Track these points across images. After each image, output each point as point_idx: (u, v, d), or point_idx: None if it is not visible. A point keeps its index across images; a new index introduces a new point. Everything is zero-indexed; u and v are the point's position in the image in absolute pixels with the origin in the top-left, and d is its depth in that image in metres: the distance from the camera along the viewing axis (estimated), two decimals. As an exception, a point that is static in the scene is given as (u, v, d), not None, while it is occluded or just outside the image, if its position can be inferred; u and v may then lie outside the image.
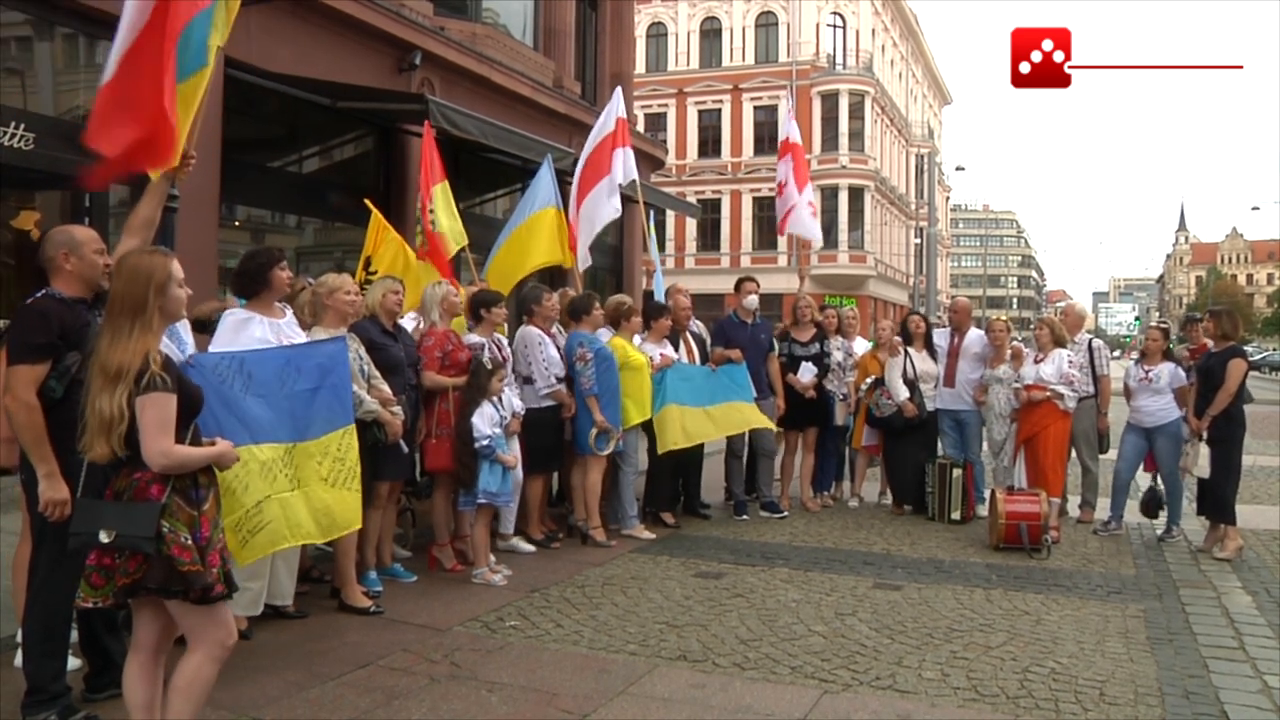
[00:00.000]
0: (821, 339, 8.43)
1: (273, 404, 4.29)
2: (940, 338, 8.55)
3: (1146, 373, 7.54)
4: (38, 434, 3.47)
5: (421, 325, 6.30)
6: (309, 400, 4.45)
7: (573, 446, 7.00)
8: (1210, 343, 7.38)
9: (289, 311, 5.00)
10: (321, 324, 5.16)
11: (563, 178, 8.79)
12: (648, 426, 7.28)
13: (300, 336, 4.86)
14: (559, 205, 8.36)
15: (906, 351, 8.28)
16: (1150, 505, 7.51)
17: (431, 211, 7.12)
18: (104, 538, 2.84)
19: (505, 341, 6.69)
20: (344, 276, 5.40)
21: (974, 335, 8.33)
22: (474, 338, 6.37)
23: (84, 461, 2.99)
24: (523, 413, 6.38)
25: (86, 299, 3.69)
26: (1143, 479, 7.98)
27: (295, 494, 4.31)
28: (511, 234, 8.33)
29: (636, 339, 7.36)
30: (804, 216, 10.36)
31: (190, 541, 2.92)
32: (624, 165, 8.54)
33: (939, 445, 8.37)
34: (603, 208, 8.49)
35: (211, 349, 4.51)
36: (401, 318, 6.17)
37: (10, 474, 4.06)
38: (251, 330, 4.61)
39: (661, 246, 10.55)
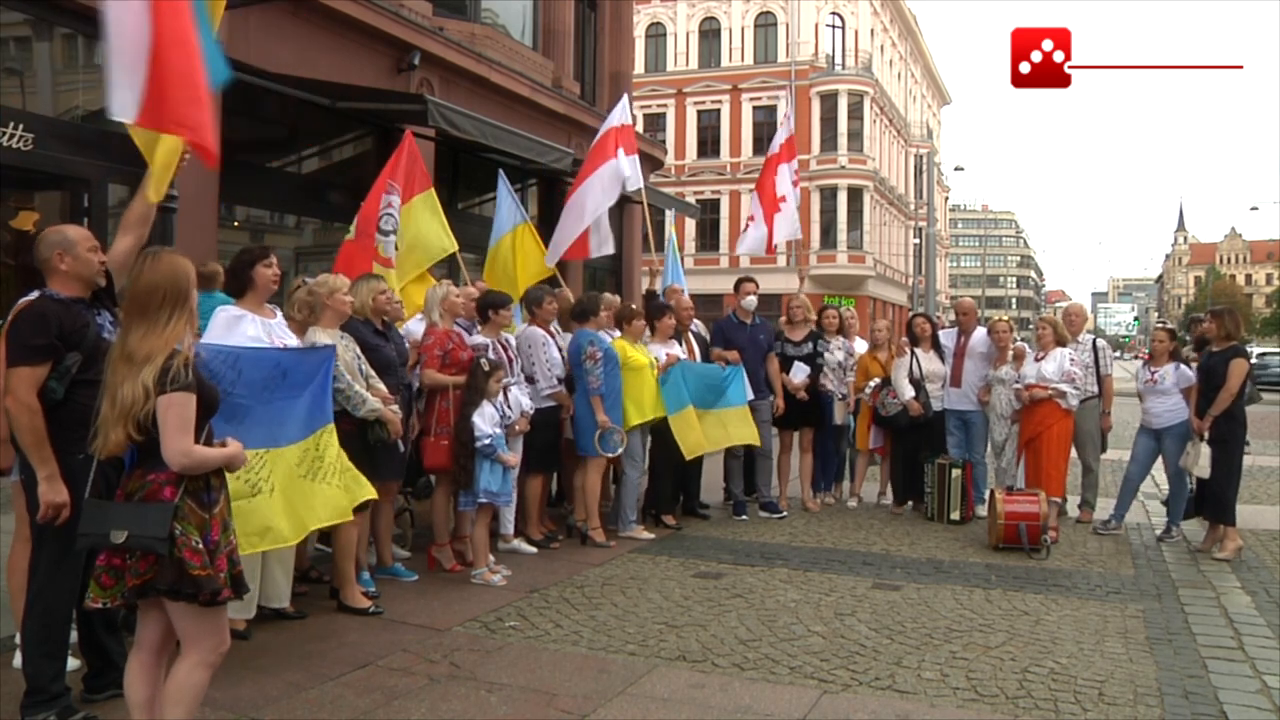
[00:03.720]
0: (814, 339, 8.45)
1: (249, 409, 4.26)
2: (946, 338, 8.55)
3: (1152, 374, 7.53)
4: (38, 436, 3.47)
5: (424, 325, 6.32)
6: (288, 407, 4.45)
7: (573, 446, 7.01)
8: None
9: (279, 313, 5.00)
10: (320, 324, 5.17)
11: (563, 180, 8.80)
12: (651, 428, 7.28)
13: (290, 338, 4.84)
14: (525, 219, 8.45)
15: (913, 352, 8.28)
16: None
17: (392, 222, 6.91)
18: (116, 539, 2.84)
19: (512, 342, 6.68)
20: (342, 277, 5.46)
21: (979, 335, 8.32)
22: (479, 338, 6.37)
23: (93, 462, 2.99)
24: (531, 412, 6.38)
25: (85, 298, 3.68)
26: (1161, 479, 7.94)
27: (257, 500, 4.26)
28: (489, 257, 8.44)
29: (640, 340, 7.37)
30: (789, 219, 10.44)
31: (201, 545, 2.92)
32: (630, 170, 8.57)
33: (946, 445, 8.36)
34: (594, 197, 8.50)
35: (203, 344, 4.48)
36: (402, 324, 6.19)
37: (7, 474, 4.06)
38: (244, 328, 4.60)
39: (661, 246, 10.62)
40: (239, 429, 4.12)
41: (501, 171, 8.69)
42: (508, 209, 8.41)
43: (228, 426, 4.00)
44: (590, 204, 8.51)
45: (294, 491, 4.45)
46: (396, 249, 6.92)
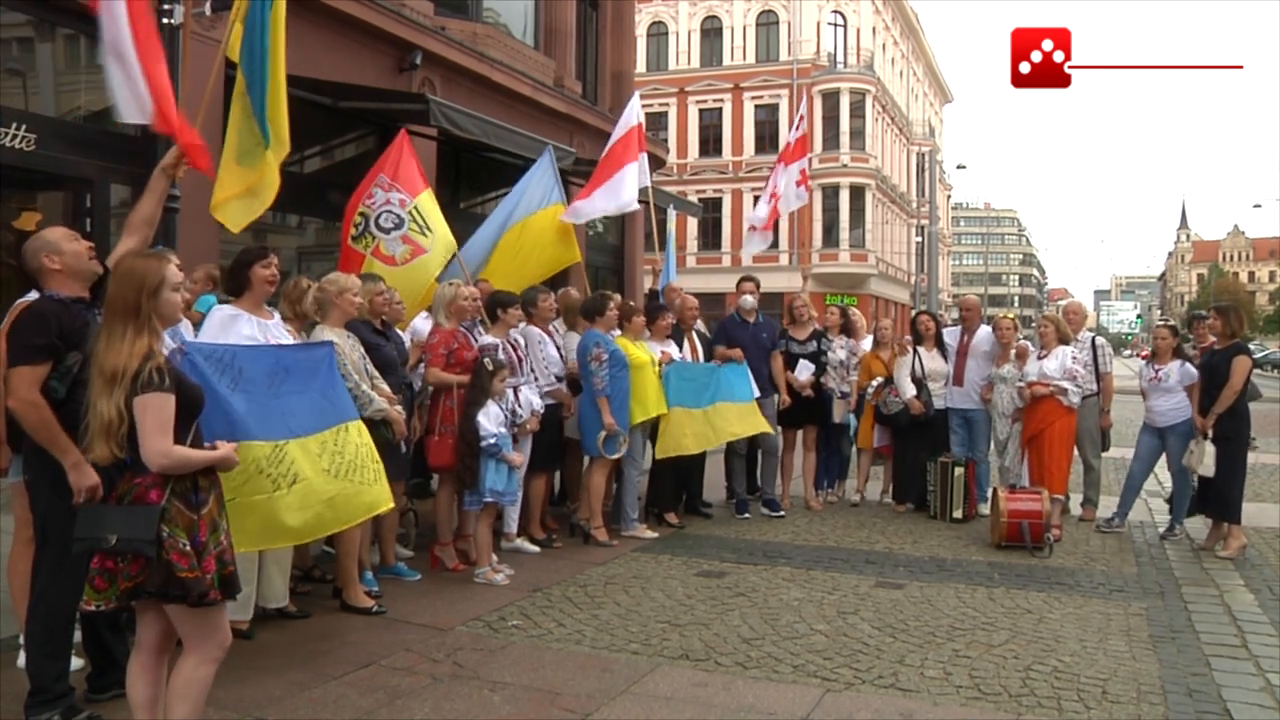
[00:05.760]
0: (819, 337, 8.44)
1: (258, 403, 4.23)
2: (950, 336, 8.54)
3: (1156, 372, 7.51)
4: (51, 430, 3.46)
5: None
6: (297, 401, 4.42)
7: (577, 445, 7.00)
8: (1215, 340, 7.35)
9: (277, 314, 5.00)
10: (326, 322, 5.19)
11: (564, 178, 8.74)
12: (651, 427, 7.27)
13: (285, 338, 4.83)
14: (564, 200, 8.30)
15: (916, 350, 8.27)
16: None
17: (415, 220, 6.94)
18: (108, 542, 2.85)
19: (522, 342, 6.65)
20: (351, 278, 5.47)
21: (983, 333, 8.31)
22: (488, 338, 6.36)
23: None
24: (542, 411, 6.38)
25: (85, 297, 3.69)
26: (1165, 477, 7.90)
27: (277, 495, 4.18)
28: (510, 230, 8.19)
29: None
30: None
31: (189, 547, 2.92)
32: (638, 172, 8.53)
33: (949, 444, 8.34)
34: (599, 202, 8.45)
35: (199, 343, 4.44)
36: (406, 324, 6.21)
37: (3, 475, 4.05)
38: (239, 327, 4.61)
39: (664, 245, 10.73)
40: (256, 422, 4.13)
41: (550, 147, 8.45)
42: (547, 186, 8.11)
43: (246, 420, 4.04)
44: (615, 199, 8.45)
45: (316, 486, 4.34)
46: (418, 246, 6.92)
